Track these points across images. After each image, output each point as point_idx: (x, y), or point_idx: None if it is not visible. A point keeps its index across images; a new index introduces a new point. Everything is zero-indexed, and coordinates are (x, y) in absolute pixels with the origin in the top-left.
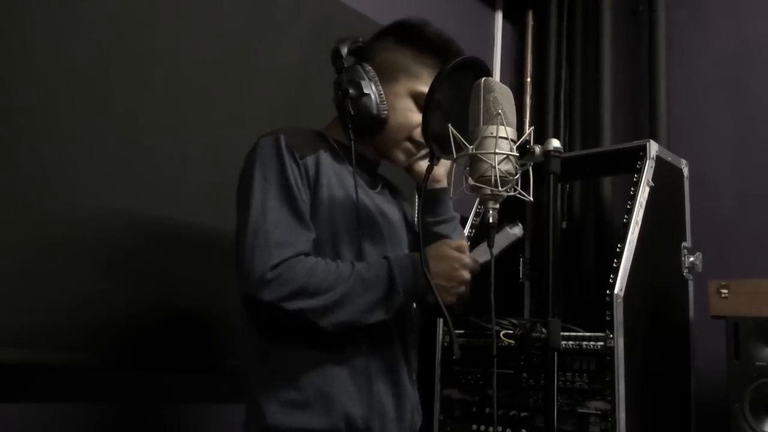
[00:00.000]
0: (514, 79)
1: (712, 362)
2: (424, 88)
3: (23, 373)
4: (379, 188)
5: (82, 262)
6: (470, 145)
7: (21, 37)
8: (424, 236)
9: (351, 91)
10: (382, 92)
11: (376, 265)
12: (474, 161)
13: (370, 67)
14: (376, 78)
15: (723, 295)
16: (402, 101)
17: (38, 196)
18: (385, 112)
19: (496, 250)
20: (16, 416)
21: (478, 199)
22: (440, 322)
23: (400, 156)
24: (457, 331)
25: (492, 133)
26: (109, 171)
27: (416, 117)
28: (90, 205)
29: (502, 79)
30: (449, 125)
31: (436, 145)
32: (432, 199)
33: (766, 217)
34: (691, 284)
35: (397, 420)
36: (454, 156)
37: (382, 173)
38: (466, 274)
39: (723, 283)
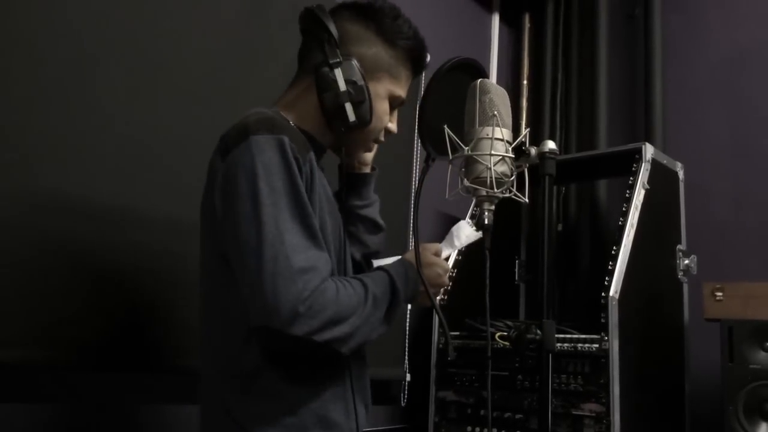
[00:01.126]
0: (511, 81)
1: (707, 365)
2: (401, 92)
3: None
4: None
5: (40, 260)
6: (466, 146)
7: (15, 31)
8: (349, 218)
9: (351, 93)
10: (371, 95)
11: (379, 279)
12: (469, 162)
13: (360, 65)
14: (366, 79)
15: (717, 298)
16: (382, 104)
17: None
18: (372, 116)
19: (459, 244)
20: None
21: (473, 201)
22: (435, 324)
23: (360, 154)
24: (453, 333)
25: (488, 135)
26: (89, 167)
27: (387, 119)
28: (52, 201)
29: (498, 81)
30: (445, 126)
31: (432, 146)
32: (361, 182)
33: (761, 220)
34: (685, 287)
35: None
36: (450, 157)
37: None
38: (447, 280)
39: (717, 285)
